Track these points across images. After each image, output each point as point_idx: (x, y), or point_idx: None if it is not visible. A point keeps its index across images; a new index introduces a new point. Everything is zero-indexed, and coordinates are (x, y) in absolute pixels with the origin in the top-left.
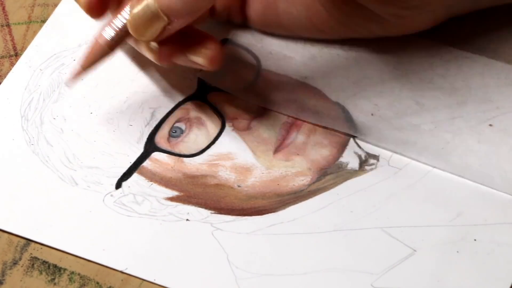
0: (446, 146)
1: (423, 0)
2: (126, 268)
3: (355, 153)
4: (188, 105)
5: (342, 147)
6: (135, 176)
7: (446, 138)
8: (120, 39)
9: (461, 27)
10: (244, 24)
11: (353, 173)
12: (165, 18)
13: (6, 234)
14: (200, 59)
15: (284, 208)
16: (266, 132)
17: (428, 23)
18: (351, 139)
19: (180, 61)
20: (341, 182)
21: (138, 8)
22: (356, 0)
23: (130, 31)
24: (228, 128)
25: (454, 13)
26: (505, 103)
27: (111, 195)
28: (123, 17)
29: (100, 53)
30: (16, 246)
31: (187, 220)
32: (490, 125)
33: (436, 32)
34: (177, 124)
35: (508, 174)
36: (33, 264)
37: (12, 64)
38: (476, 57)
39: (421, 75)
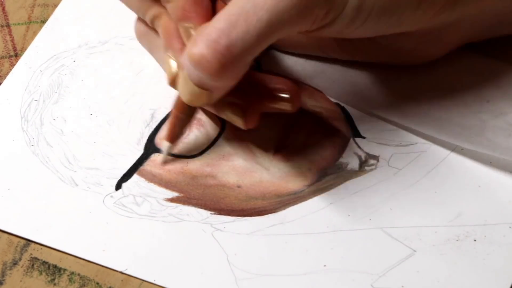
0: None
1: (438, 35)
2: (126, 269)
3: (355, 153)
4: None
5: (342, 147)
6: (135, 177)
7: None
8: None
9: None
10: None
11: (353, 174)
12: (204, 91)
13: (6, 234)
14: (284, 105)
15: (284, 209)
16: (266, 133)
17: (441, 52)
18: (351, 140)
19: (264, 110)
20: (341, 183)
21: (180, 83)
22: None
23: (184, 100)
24: (228, 129)
25: (467, 41)
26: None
27: (111, 196)
28: None
29: (181, 122)
30: (16, 246)
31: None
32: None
33: None
34: None
35: (459, 135)
36: (33, 265)
37: (12, 65)
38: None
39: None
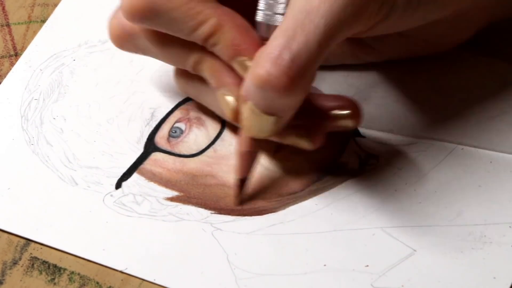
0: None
1: (467, 15)
2: (126, 268)
3: (355, 153)
4: (188, 105)
5: (342, 147)
6: (135, 176)
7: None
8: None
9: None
10: None
11: (353, 173)
12: (272, 117)
13: (6, 234)
14: (346, 122)
15: (284, 208)
16: None
17: (468, 35)
18: (351, 139)
19: (328, 130)
20: (341, 182)
21: (245, 116)
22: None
23: (247, 134)
24: (228, 128)
25: (493, 19)
26: None
27: (111, 195)
28: None
29: (251, 158)
30: (16, 246)
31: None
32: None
33: None
34: (177, 124)
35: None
36: (33, 264)
37: (12, 64)
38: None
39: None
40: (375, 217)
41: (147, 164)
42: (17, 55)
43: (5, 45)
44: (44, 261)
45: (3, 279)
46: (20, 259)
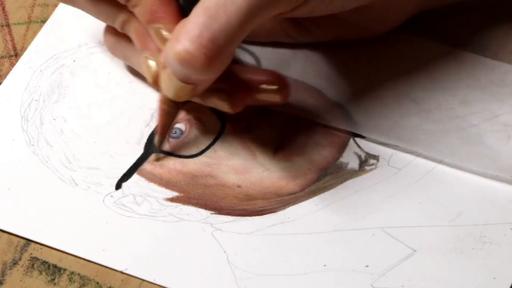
0: (395, 126)
1: (397, 1)
2: (126, 269)
3: (355, 153)
4: (188, 105)
5: (342, 147)
6: (135, 177)
7: (395, 118)
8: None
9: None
10: None
11: (353, 173)
12: (190, 85)
13: (6, 234)
14: (272, 97)
15: (284, 208)
16: (266, 132)
17: (400, 21)
18: (351, 139)
19: (252, 102)
20: (341, 182)
21: (164, 82)
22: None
23: (169, 97)
24: (228, 129)
25: (424, 8)
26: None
27: (111, 196)
28: None
29: (170, 116)
30: (16, 246)
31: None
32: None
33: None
34: (177, 125)
35: (457, 149)
36: (33, 264)
37: (12, 65)
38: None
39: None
40: (375, 217)
41: (147, 165)
42: (17, 55)
43: (5, 45)
44: (44, 261)
45: (3, 279)
46: (20, 259)
